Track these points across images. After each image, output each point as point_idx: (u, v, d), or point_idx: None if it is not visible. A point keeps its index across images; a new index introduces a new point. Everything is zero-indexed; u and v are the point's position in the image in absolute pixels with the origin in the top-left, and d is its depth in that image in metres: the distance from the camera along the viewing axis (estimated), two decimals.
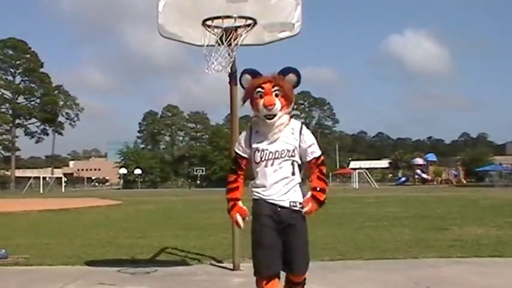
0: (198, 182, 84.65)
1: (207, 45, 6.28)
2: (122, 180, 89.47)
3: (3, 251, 8.15)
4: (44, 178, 76.11)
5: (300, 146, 3.80)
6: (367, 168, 74.30)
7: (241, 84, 3.95)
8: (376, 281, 6.26)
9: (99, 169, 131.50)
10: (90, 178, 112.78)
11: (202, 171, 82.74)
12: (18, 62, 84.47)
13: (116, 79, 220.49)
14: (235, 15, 6.22)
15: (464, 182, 68.25)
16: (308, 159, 3.85)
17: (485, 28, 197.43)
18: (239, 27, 6.33)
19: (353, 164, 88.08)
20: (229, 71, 6.59)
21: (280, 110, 3.73)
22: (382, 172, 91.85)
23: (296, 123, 3.89)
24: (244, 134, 3.99)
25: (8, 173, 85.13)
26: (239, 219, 3.87)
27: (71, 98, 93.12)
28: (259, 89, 3.75)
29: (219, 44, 6.29)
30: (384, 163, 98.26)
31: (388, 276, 6.46)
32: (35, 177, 75.59)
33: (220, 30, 6.32)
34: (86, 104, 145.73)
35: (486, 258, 7.51)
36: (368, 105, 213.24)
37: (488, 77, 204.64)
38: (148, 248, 9.17)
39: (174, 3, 6.84)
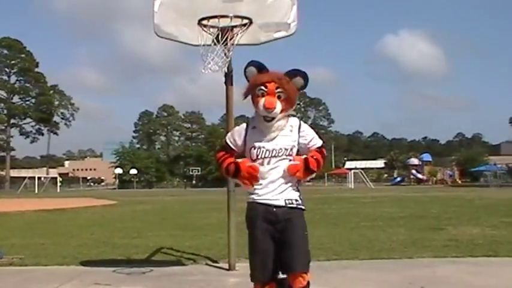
0: (194, 182, 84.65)
1: (203, 45, 6.27)
2: (117, 180, 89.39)
3: None
4: (39, 178, 75.97)
5: (299, 144, 3.70)
6: (362, 168, 74.40)
7: (245, 75, 3.77)
8: (372, 280, 6.27)
9: (95, 169, 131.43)
10: (86, 178, 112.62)
11: (198, 171, 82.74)
12: (13, 62, 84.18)
13: (111, 79, 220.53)
14: (231, 15, 6.22)
15: (459, 182, 68.39)
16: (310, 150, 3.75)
17: (479, 28, 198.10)
18: (235, 26, 6.33)
19: (348, 164, 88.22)
20: (226, 70, 6.59)
21: (280, 113, 3.61)
22: (377, 172, 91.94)
23: (294, 121, 3.76)
24: (239, 128, 3.83)
25: (3, 173, 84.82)
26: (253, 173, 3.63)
27: (66, 97, 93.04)
28: (262, 87, 3.60)
29: (215, 44, 6.29)
30: (379, 163, 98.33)
31: (383, 276, 6.47)
32: (30, 177, 75.34)
33: (216, 29, 6.32)
34: (81, 103, 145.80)
35: (481, 258, 7.53)
36: (363, 106, 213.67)
37: (483, 78, 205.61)
38: (143, 248, 9.16)
39: (170, 2, 6.83)
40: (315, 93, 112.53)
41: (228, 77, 6.78)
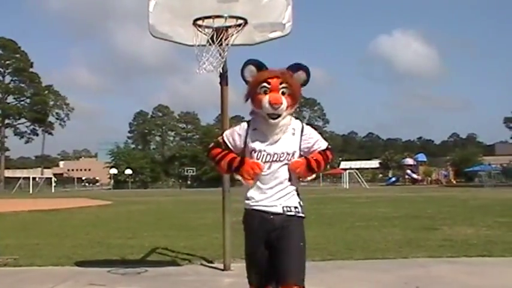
0: (189, 182, 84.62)
1: (198, 45, 6.28)
2: (112, 181, 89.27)
3: None
4: (34, 178, 75.81)
5: (301, 149, 3.49)
6: (357, 169, 74.48)
7: (243, 76, 3.55)
8: (367, 280, 6.28)
9: (90, 169, 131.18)
10: (81, 178, 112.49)
11: (193, 172, 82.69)
12: (7, 62, 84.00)
13: (106, 79, 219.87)
14: (226, 15, 6.23)
15: (454, 182, 68.53)
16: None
17: (473, 28, 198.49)
18: (230, 27, 6.33)
19: (343, 164, 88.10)
20: (221, 71, 6.59)
21: (285, 110, 3.39)
22: (372, 172, 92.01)
23: (297, 123, 3.54)
24: (239, 128, 3.58)
25: None
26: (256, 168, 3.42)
27: (61, 97, 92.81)
28: (265, 84, 3.38)
29: (210, 44, 6.29)
30: (374, 163, 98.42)
31: (378, 276, 6.48)
32: (24, 178, 75.20)
33: (211, 30, 6.32)
34: (76, 104, 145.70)
35: (475, 258, 7.56)
36: (358, 106, 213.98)
37: (477, 78, 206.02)
38: (138, 248, 9.15)
39: (165, 3, 6.83)
40: (309, 94, 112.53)
41: (223, 78, 6.78)
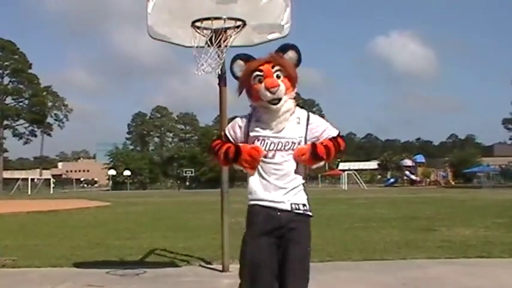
0: (187, 183, 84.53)
1: (196, 47, 6.29)
2: (110, 182, 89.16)
3: None
4: (32, 179, 75.69)
5: (307, 139, 3.27)
6: (356, 170, 74.52)
7: (232, 73, 3.41)
8: (365, 281, 6.29)
9: (88, 170, 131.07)
10: (79, 179, 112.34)
11: (192, 173, 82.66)
12: (6, 63, 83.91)
13: (105, 80, 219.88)
14: (224, 17, 6.24)
15: (453, 183, 68.50)
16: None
17: (472, 29, 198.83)
18: (228, 28, 6.34)
19: (342, 166, 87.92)
20: (219, 72, 6.59)
21: (285, 94, 3.19)
22: (371, 173, 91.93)
23: (302, 112, 3.34)
24: (240, 119, 3.39)
25: None
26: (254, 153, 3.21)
27: (60, 99, 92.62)
28: (258, 73, 3.20)
29: (208, 45, 6.30)
30: (372, 164, 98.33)
31: (377, 277, 6.49)
32: (23, 179, 75.09)
33: (209, 31, 6.33)
34: (75, 105, 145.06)
35: (474, 259, 7.57)
36: (357, 107, 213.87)
37: (475, 79, 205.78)
38: (137, 249, 9.15)
39: (163, 4, 6.83)
40: (308, 95, 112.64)
41: (222, 79, 6.78)
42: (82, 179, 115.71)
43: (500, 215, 14.82)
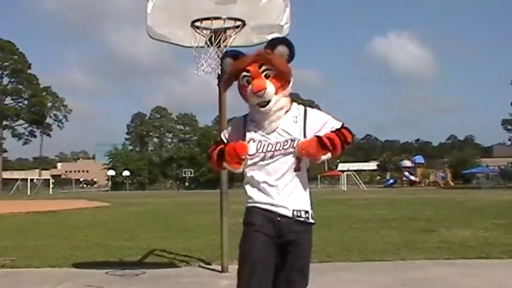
0: (187, 183, 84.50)
1: (196, 47, 6.29)
2: (110, 182, 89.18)
3: None
4: (32, 180, 75.62)
5: (306, 134, 3.03)
6: (355, 171, 74.55)
7: (223, 71, 3.26)
8: (365, 282, 6.29)
9: (87, 171, 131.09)
10: (78, 180, 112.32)
11: (191, 173, 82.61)
12: (5, 63, 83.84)
13: (104, 80, 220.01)
14: (224, 17, 6.24)
15: (452, 184, 68.53)
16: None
17: (471, 29, 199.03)
18: (228, 28, 6.35)
19: (341, 166, 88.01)
20: (219, 72, 6.59)
21: (276, 94, 2.98)
22: (370, 174, 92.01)
23: (298, 109, 3.12)
24: (236, 121, 3.24)
25: None
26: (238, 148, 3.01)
27: (59, 99, 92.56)
28: (245, 74, 2.99)
29: (208, 46, 6.30)
30: (372, 165, 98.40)
31: (376, 277, 6.49)
32: (22, 179, 75.05)
33: (209, 31, 6.34)
34: (74, 105, 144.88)
35: (473, 260, 7.57)
36: (356, 108, 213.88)
37: (475, 80, 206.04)
38: (136, 250, 9.14)
39: (163, 4, 6.83)
40: (307, 95, 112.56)
41: (221, 79, 6.78)
42: (81, 180, 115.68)
43: (500, 216, 14.83)
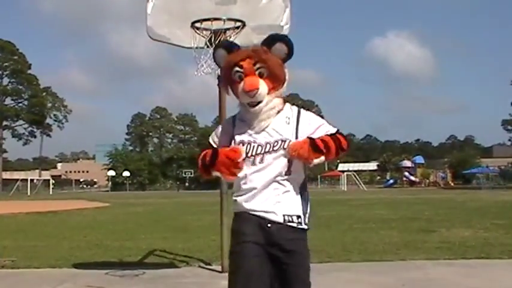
0: (187, 184, 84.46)
1: (196, 48, 6.29)
2: (110, 183, 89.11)
3: None
4: (32, 180, 75.57)
5: (298, 136, 2.84)
6: (355, 171, 74.55)
7: (215, 61, 3.10)
8: (365, 283, 6.29)
9: (87, 171, 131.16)
10: (78, 180, 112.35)
11: (191, 174, 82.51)
12: (5, 64, 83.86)
13: (104, 81, 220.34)
14: (224, 18, 6.24)
15: (452, 184, 68.49)
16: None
17: (470, 30, 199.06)
18: (228, 29, 6.35)
19: (341, 167, 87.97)
20: (218, 73, 6.59)
21: (268, 94, 2.82)
22: (370, 174, 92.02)
23: (291, 110, 2.95)
24: (224, 123, 3.11)
25: None
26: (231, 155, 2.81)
27: (59, 99, 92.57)
28: (238, 69, 2.82)
29: (208, 46, 6.30)
30: (372, 165, 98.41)
31: (376, 278, 6.49)
32: (22, 180, 74.97)
33: (209, 32, 6.34)
34: (74, 105, 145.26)
35: (473, 260, 7.56)
36: (356, 108, 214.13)
37: (474, 80, 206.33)
38: (136, 250, 9.14)
39: (163, 5, 6.83)
40: (307, 96, 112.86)
41: (221, 80, 6.77)
42: (81, 180, 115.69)
43: (500, 216, 14.83)
